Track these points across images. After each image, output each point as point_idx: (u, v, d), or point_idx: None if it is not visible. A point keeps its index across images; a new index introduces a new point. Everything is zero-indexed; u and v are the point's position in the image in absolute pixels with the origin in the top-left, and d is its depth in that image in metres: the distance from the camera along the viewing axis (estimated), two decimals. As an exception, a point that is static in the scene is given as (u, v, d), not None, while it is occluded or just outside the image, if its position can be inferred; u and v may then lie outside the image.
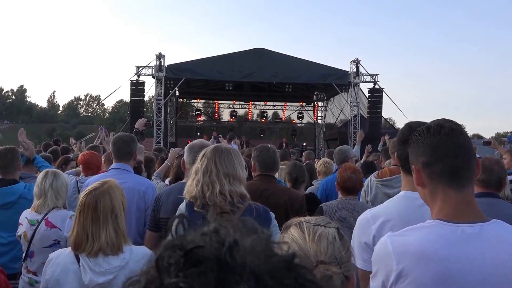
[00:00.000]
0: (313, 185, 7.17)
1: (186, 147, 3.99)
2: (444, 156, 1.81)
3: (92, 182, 3.67)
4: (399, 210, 2.53)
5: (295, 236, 1.66)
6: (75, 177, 5.95)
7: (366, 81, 25.20)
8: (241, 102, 34.01)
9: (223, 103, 34.93)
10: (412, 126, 2.50)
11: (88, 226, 2.80)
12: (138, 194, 4.30)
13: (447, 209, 1.81)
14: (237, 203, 2.91)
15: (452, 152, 1.80)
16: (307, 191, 6.41)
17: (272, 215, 3.10)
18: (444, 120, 1.89)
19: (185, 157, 3.91)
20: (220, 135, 10.88)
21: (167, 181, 5.86)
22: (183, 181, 3.83)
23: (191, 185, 2.98)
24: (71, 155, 8.25)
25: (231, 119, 33.19)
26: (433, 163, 1.83)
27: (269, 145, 4.49)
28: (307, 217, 1.77)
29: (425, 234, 1.77)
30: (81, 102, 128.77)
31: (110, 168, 4.56)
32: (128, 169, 4.48)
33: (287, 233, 1.70)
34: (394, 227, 2.35)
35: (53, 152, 8.56)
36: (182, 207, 3.06)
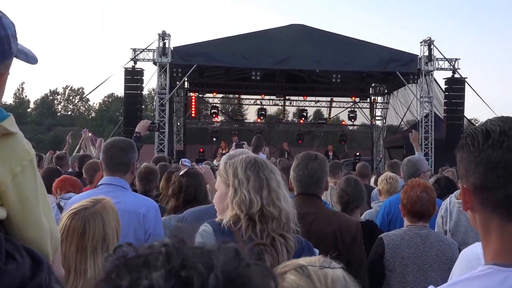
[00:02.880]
0: (371, 208, 7.12)
1: (222, 159, 4.03)
2: (504, 181, 1.70)
3: (78, 201, 3.71)
4: None
5: (300, 285, 1.72)
6: (53, 198, 6.07)
7: (442, 69, 25.03)
8: (273, 97, 34.14)
9: (248, 99, 35.14)
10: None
11: (72, 256, 2.84)
12: (136, 218, 4.35)
13: (506, 249, 1.73)
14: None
15: None
16: (362, 217, 6.38)
17: (316, 252, 3.11)
18: (508, 121, 1.76)
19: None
20: (244, 142, 10.88)
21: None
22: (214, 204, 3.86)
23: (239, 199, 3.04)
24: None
25: (259, 120, 33.32)
26: (487, 187, 1.73)
27: (316, 153, 4.46)
28: (306, 259, 1.84)
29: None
30: (58, 97, 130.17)
31: (99, 183, 4.62)
32: (123, 185, 4.51)
33: (285, 281, 1.74)
34: None
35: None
36: (208, 229, 3.06)
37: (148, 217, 4.41)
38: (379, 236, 4.69)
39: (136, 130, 6.25)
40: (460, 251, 4.48)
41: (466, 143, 1.80)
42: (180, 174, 5.82)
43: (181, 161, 12.63)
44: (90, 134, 13.37)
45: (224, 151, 22.64)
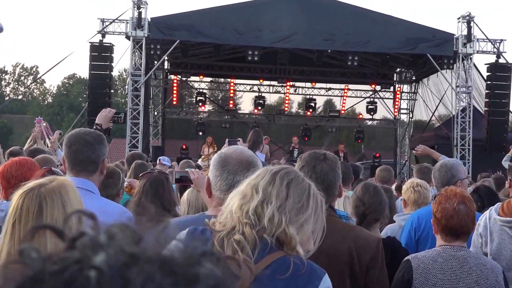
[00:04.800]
0: (394, 221, 7.12)
1: (213, 159, 3.98)
2: None
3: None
4: None
5: None
6: None
7: (484, 52, 25.07)
8: (273, 83, 34.16)
9: (243, 84, 35.18)
10: None
11: (29, 241, 2.83)
12: None
13: None
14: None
15: None
16: (382, 233, 6.39)
17: (326, 279, 3.08)
18: None
19: (211, 176, 3.84)
20: (239, 138, 10.87)
21: None
22: (209, 212, 3.83)
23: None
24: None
25: (256, 110, 33.44)
26: None
27: (324, 152, 4.43)
28: None
29: None
30: (6, 77, 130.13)
31: (60, 185, 4.62)
32: (90, 188, 4.50)
33: None
34: None
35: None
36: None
37: None
38: (406, 258, 4.66)
39: (97, 121, 6.21)
40: (504, 276, 4.49)
41: None
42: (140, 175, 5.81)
43: (159, 160, 12.62)
44: (45, 124, 13.32)
45: (211, 149, 22.60)
